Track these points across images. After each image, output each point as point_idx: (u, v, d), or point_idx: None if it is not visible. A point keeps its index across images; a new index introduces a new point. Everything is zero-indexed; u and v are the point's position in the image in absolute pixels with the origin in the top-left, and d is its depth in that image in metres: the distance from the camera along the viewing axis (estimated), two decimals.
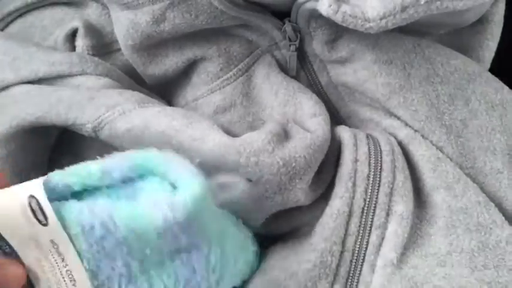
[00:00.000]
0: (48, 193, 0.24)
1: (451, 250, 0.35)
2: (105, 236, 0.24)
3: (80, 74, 0.38)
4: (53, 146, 0.40)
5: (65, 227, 0.24)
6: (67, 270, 0.24)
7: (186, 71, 0.41)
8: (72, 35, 0.40)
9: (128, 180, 0.28)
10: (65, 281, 0.24)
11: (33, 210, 0.23)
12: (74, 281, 0.24)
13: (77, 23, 0.40)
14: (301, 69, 0.41)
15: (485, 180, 0.38)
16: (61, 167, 0.40)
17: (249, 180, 0.34)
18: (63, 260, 0.24)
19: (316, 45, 0.39)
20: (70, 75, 0.38)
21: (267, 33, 0.40)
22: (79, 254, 0.24)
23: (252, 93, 0.41)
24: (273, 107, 0.39)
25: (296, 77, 0.41)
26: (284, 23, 0.39)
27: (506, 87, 0.40)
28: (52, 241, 0.24)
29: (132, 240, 0.25)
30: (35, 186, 0.24)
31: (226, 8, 0.36)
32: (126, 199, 0.27)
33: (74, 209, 0.24)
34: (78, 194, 0.27)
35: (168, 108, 0.35)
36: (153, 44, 0.38)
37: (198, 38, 0.39)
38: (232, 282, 0.31)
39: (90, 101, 0.35)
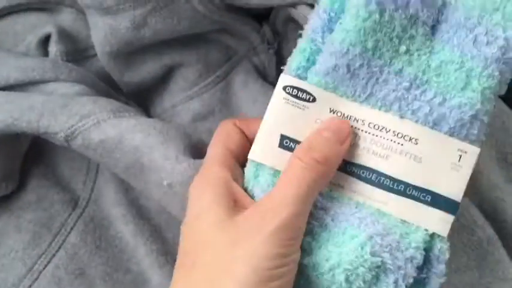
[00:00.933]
0: None
1: None
2: None
3: (53, 81, 0.37)
4: (25, 154, 0.39)
5: None
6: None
7: (164, 78, 0.40)
8: (45, 40, 0.39)
9: None
10: None
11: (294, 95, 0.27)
12: None
13: (50, 29, 0.38)
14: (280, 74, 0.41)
15: None
16: (33, 176, 0.39)
17: None
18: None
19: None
20: (43, 82, 0.37)
21: (245, 37, 0.40)
22: None
23: (230, 100, 0.41)
24: (251, 116, 0.39)
25: (275, 82, 0.41)
26: (263, 26, 0.39)
27: None
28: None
29: None
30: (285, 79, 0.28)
31: (210, 12, 0.35)
32: None
33: None
34: None
35: (144, 121, 0.34)
36: (131, 51, 0.38)
37: (177, 44, 0.38)
38: None
39: (63, 109, 0.34)
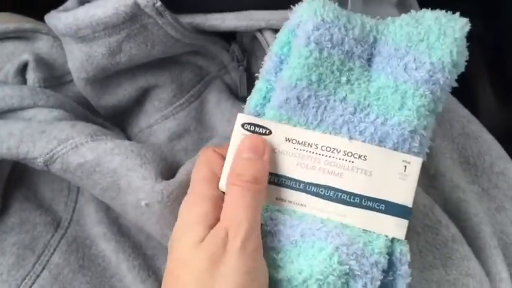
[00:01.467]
0: None
1: None
2: None
3: (32, 107, 0.37)
4: (6, 179, 0.39)
5: None
6: None
7: (139, 99, 0.41)
8: (23, 68, 0.40)
9: None
10: None
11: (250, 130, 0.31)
12: None
13: (27, 57, 0.39)
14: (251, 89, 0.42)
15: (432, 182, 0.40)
16: (15, 199, 0.39)
17: None
18: None
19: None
20: (21, 109, 0.37)
21: (216, 57, 0.41)
22: None
23: (205, 119, 0.42)
24: (225, 134, 0.41)
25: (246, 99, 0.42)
26: (231, 44, 0.40)
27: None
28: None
29: None
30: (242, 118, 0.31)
31: (182, 36, 0.36)
32: None
33: None
34: None
35: (122, 144, 0.35)
36: (107, 75, 0.39)
37: (151, 67, 0.39)
38: None
39: (42, 134, 0.34)
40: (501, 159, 0.42)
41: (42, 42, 0.41)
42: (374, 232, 0.30)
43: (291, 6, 0.32)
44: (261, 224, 0.30)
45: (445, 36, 0.30)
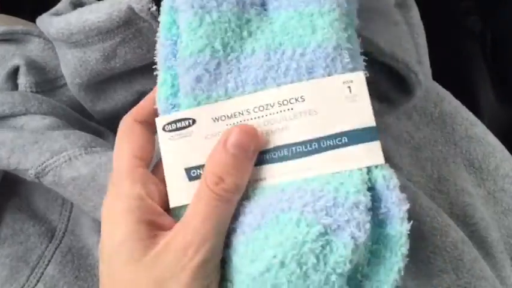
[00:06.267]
0: None
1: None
2: None
3: (24, 114, 0.37)
4: None
5: None
6: None
7: (135, 104, 0.40)
8: (14, 72, 0.39)
9: None
10: None
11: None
12: None
13: (18, 61, 0.38)
14: None
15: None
16: (7, 210, 0.38)
17: None
18: None
19: None
20: (13, 116, 0.37)
21: None
22: None
23: None
24: None
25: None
26: None
27: (446, 99, 0.43)
28: None
29: None
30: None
31: None
32: None
33: None
34: None
35: None
36: (101, 80, 0.38)
37: (146, 70, 0.38)
38: None
39: (34, 145, 0.34)
40: (506, 162, 0.42)
41: (34, 45, 0.40)
42: (345, 172, 0.26)
43: None
44: None
45: None
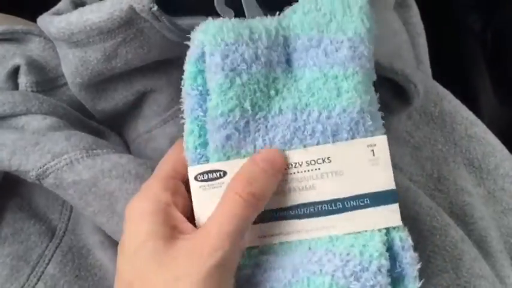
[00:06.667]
0: None
1: None
2: None
3: (24, 114, 0.36)
4: None
5: None
6: None
7: (136, 104, 0.40)
8: (15, 72, 0.39)
9: None
10: None
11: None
12: None
13: (18, 60, 0.38)
14: None
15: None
16: (8, 209, 0.38)
17: None
18: None
19: None
20: (14, 116, 0.36)
21: None
22: None
23: None
24: None
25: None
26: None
27: (446, 99, 0.43)
28: None
29: None
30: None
31: (180, 39, 0.35)
32: None
33: None
34: None
35: (119, 164, 0.34)
36: (102, 80, 0.38)
37: (147, 70, 0.39)
38: None
39: (35, 147, 0.33)
40: (506, 161, 0.42)
41: (34, 44, 0.40)
42: (367, 232, 0.28)
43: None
44: (248, 275, 0.28)
45: (349, 8, 0.29)
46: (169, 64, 0.39)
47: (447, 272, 0.36)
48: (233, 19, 0.30)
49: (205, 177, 0.29)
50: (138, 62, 0.36)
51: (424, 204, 0.37)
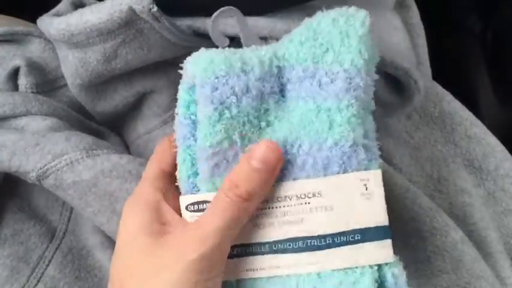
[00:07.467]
0: None
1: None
2: None
3: (24, 115, 0.37)
4: None
5: None
6: None
7: (136, 104, 0.40)
8: (15, 73, 0.39)
9: None
10: None
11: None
12: None
13: (18, 61, 0.38)
14: None
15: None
16: (8, 210, 0.38)
17: None
18: None
19: None
20: (14, 116, 0.37)
21: None
22: None
23: None
24: None
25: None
26: (229, 47, 0.39)
27: (445, 99, 0.43)
28: None
29: None
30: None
31: (180, 40, 0.35)
32: None
33: None
34: None
35: (119, 165, 0.34)
36: (102, 81, 0.38)
37: (147, 71, 0.39)
38: None
39: (35, 148, 0.34)
40: (506, 161, 0.42)
41: (34, 46, 0.40)
42: (356, 269, 0.27)
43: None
44: None
45: (348, 38, 0.28)
46: (169, 65, 0.39)
47: (447, 273, 0.36)
48: (226, 49, 0.29)
49: (196, 207, 0.28)
50: (137, 62, 0.36)
51: (424, 205, 0.37)
